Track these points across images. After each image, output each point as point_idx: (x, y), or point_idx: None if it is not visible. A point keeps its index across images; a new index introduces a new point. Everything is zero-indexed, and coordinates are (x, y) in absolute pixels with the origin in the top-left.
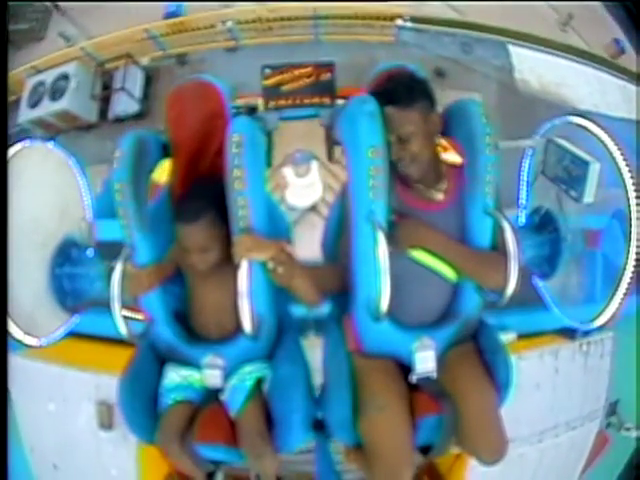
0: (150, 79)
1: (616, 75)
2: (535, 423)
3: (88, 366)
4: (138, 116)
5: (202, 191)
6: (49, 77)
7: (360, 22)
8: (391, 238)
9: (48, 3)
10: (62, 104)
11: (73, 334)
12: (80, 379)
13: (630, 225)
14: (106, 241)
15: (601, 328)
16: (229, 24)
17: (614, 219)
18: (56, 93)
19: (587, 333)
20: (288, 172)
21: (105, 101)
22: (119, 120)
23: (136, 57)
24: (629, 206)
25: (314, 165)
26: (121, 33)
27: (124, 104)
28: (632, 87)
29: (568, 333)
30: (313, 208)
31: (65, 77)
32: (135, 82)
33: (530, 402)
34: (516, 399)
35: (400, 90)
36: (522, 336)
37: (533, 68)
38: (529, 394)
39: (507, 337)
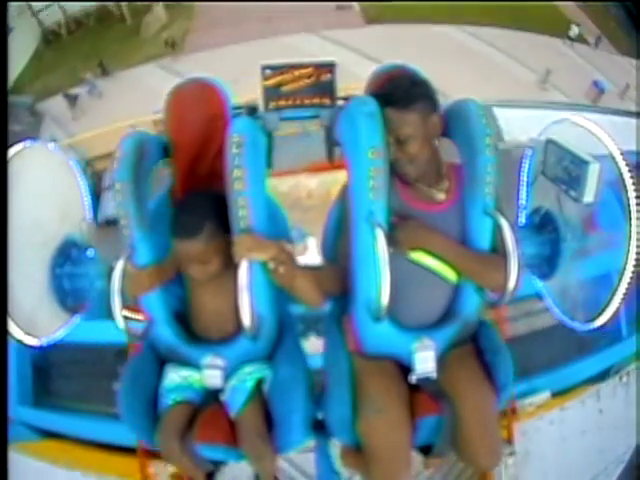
0: None
1: (602, 112)
2: (585, 471)
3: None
4: None
5: (198, 201)
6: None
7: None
8: (391, 240)
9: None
10: None
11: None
12: None
13: (630, 225)
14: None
15: (601, 327)
16: None
17: (606, 187)
18: None
19: (617, 369)
20: None
21: (95, 202)
22: (110, 223)
23: None
24: (629, 206)
25: (312, 243)
26: (107, 129)
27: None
28: (617, 119)
29: (600, 377)
30: None
31: None
32: None
33: (578, 450)
34: (563, 450)
35: (399, 92)
36: (556, 394)
37: (523, 127)
38: (576, 443)
39: (541, 397)
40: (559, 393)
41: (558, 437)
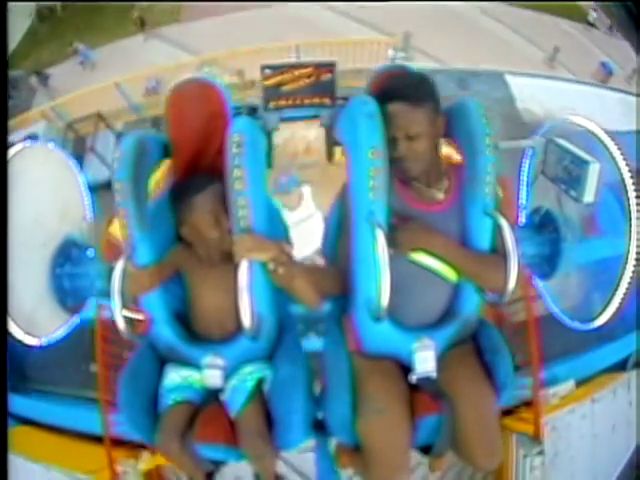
0: None
1: (613, 89)
2: (612, 471)
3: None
4: (111, 184)
5: (201, 175)
6: (16, 139)
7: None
8: (392, 241)
9: (34, 79)
10: None
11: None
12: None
13: (630, 225)
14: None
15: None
16: (204, 72)
17: (607, 191)
18: None
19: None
20: None
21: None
22: (91, 189)
23: (109, 121)
24: (629, 206)
25: (307, 192)
26: (92, 89)
27: (96, 171)
28: (630, 98)
29: (619, 367)
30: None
31: (34, 138)
32: (108, 147)
33: (608, 448)
34: (593, 449)
35: (412, 87)
36: (579, 383)
37: (534, 96)
38: (606, 440)
39: (566, 387)
40: (581, 382)
41: (589, 434)
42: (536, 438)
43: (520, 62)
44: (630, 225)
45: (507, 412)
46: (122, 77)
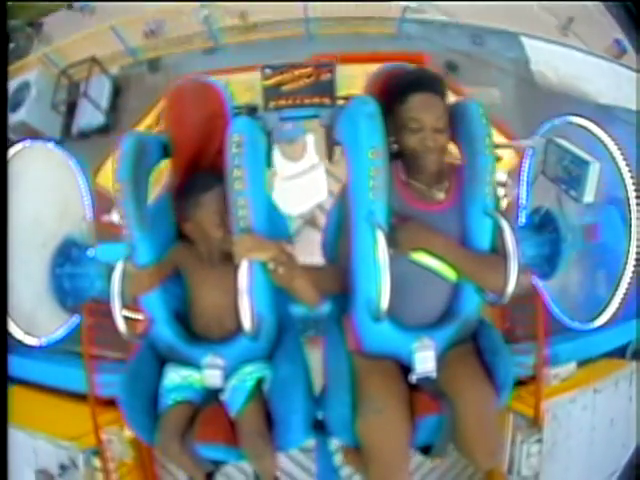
0: (119, 90)
1: (628, 67)
2: (606, 467)
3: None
4: (104, 130)
5: (205, 173)
6: (10, 87)
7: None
8: (392, 241)
9: (29, 29)
10: (20, 115)
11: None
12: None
13: (630, 225)
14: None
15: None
16: (205, 14)
17: (611, 206)
18: (16, 104)
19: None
20: (274, 156)
21: (70, 115)
22: (84, 135)
23: (104, 65)
24: (629, 206)
25: (310, 141)
26: (87, 33)
27: (89, 116)
28: None
29: (620, 353)
30: (312, 221)
31: (27, 86)
32: (102, 92)
33: (604, 443)
34: (590, 441)
35: (437, 80)
36: (580, 364)
37: (549, 61)
38: (604, 434)
39: (567, 369)
40: (582, 364)
41: (589, 426)
42: (535, 423)
43: (534, 27)
44: (630, 225)
45: None
46: (119, 20)
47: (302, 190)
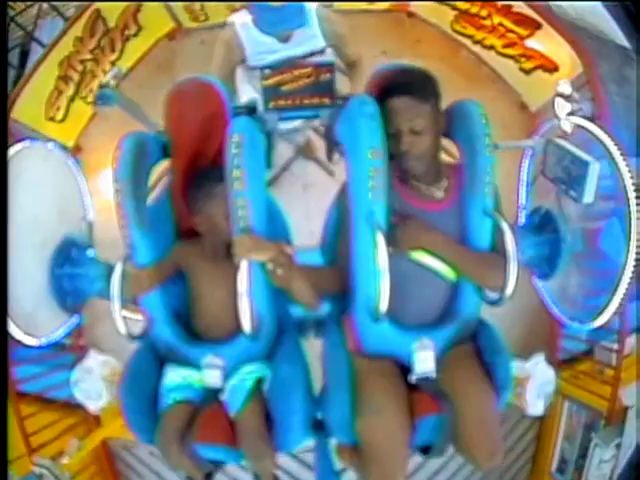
0: None
1: None
2: None
3: None
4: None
5: (210, 171)
6: None
7: None
8: (392, 240)
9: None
10: None
11: None
12: None
13: (630, 225)
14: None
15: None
16: None
17: (614, 217)
18: None
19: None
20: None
21: (22, 66)
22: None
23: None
24: (629, 206)
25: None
26: None
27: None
28: None
29: None
30: (306, 149)
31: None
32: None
33: None
34: None
35: (418, 82)
36: None
37: None
38: None
39: (630, 342)
40: None
41: None
42: (612, 421)
43: None
44: (630, 225)
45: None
46: None
47: None
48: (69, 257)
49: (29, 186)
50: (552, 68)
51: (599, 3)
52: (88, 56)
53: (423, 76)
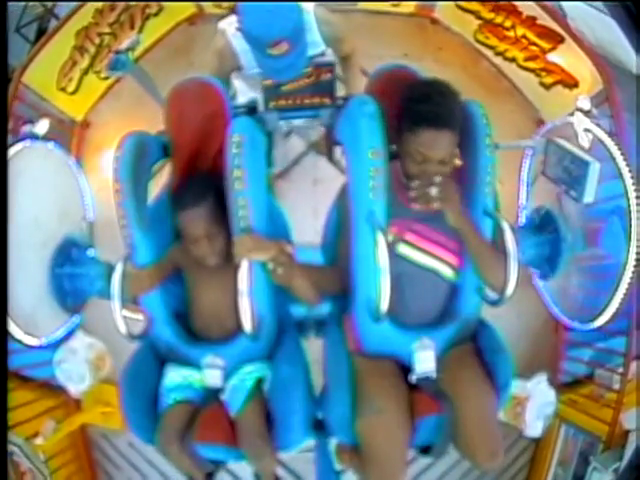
0: None
1: None
2: None
3: None
4: None
5: (199, 180)
6: None
7: None
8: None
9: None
10: None
11: None
12: None
13: (630, 225)
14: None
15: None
16: None
17: (614, 215)
18: None
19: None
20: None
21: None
22: None
23: None
24: (629, 206)
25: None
26: None
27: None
28: None
29: None
30: (319, 144)
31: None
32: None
33: None
34: None
35: (449, 111)
36: None
37: (585, 20)
38: None
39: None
40: None
41: None
42: (611, 445)
43: None
44: (630, 226)
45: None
46: None
47: None
48: (69, 257)
49: (29, 186)
50: (572, 84)
51: (600, 4)
52: (107, 30)
53: (452, 101)
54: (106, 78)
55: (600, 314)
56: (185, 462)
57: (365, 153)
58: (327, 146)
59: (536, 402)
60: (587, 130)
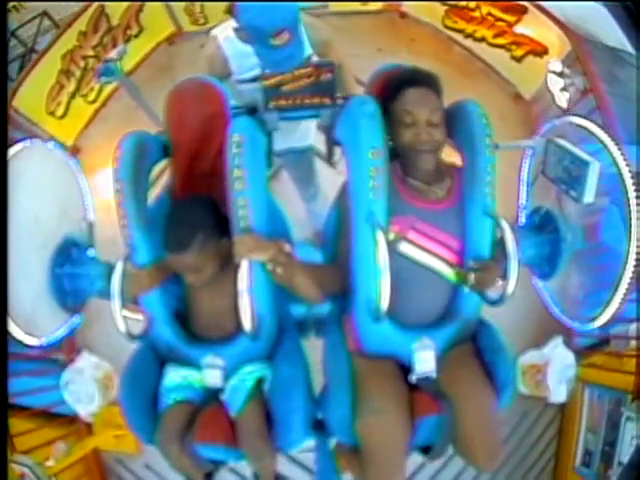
0: None
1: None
2: None
3: None
4: None
5: (187, 211)
6: None
7: None
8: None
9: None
10: None
11: None
12: None
13: (630, 225)
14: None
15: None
16: None
17: (612, 205)
18: None
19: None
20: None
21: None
22: None
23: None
24: (629, 206)
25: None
26: None
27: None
28: None
29: None
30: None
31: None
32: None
33: None
34: None
35: (433, 77)
36: None
37: (581, 16)
38: None
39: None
40: None
41: None
42: None
43: None
44: (630, 225)
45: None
46: None
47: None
48: (69, 257)
49: (29, 186)
50: (542, 51)
51: (597, 3)
52: (90, 52)
53: (432, 73)
54: (93, 102)
55: (600, 314)
56: (185, 462)
57: (365, 153)
58: (327, 146)
59: (556, 366)
60: (563, 89)
